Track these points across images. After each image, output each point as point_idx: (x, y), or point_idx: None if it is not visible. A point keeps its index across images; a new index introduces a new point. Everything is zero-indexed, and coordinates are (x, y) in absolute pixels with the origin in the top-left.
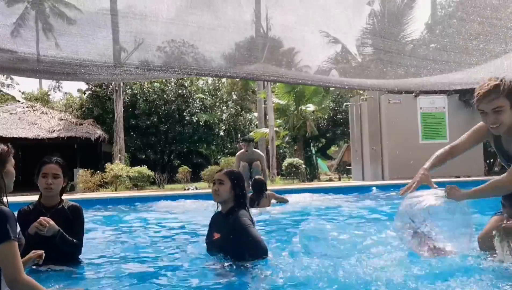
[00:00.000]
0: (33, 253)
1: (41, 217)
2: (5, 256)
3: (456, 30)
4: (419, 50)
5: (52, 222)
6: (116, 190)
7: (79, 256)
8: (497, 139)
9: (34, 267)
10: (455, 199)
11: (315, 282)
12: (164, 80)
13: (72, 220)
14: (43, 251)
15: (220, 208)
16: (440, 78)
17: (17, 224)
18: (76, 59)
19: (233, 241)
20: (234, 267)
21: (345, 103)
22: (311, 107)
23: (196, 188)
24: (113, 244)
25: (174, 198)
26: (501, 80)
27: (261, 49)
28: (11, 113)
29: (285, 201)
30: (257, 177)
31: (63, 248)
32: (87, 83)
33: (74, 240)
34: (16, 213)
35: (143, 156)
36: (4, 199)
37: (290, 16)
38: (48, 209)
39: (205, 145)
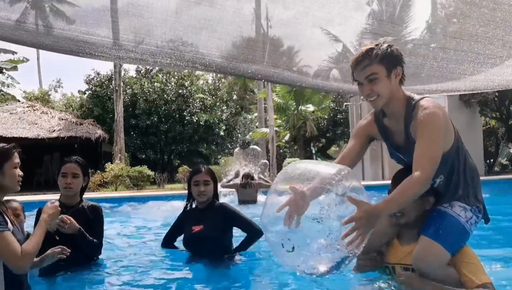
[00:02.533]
0: (54, 249)
1: (62, 215)
2: None
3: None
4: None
5: (73, 220)
6: (116, 190)
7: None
8: (382, 128)
9: (51, 268)
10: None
11: (310, 280)
12: (164, 80)
13: (92, 220)
14: (63, 247)
15: (194, 205)
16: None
17: (7, 223)
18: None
19: (220, 229)
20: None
21: (345, 103)
22: (311, 107)
23: None
24: (113, 244)
25: (174, 198)
26: (376, 44)
27: (262, 49)
28: (11, 113)
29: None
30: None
31: (83, 248)
32: (87, 83)
33: (95, 240)
34: (35, 212)
35: (143, 156)
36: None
37: (290, 12)
38: (68, 208)
39: (205, 145)
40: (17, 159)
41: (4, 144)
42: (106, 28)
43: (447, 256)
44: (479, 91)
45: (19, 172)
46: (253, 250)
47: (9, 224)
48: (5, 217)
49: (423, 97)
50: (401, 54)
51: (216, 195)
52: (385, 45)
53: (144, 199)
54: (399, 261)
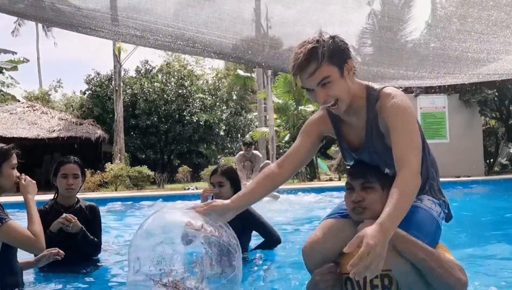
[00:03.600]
0: (50, 250)
1: (65, 214)
2: (8, 236)
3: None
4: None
5: (76, 219)
6: (116, 190)
7: (98, 256)
8: (338, 125)
9: (51, 267)
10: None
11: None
12: (164, 80)
13: (90, 220)
14: (59, 249)
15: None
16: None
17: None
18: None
19: (239, 231)
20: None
21: None
22: (311, 107)
23: (196, 188)
24: (113, 244)
25: (174, 198)
26: (317, 40)
27: (262, 50)
28: (11, 113)
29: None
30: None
31: (84, 247)
32: (87, 83)
33: (95, 239)
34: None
35: (143, 156)
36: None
37: (290, 12)
38: (66, 209)
39: (205, 145)
40: (15, 160)
41: (3, 145)
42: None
43: None
44: None
45: (16, 173)
46: (269, 251)
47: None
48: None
49: (384, 86)
50: (346, 43)
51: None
52: (327, 38)
53: (144, 199)
54: None
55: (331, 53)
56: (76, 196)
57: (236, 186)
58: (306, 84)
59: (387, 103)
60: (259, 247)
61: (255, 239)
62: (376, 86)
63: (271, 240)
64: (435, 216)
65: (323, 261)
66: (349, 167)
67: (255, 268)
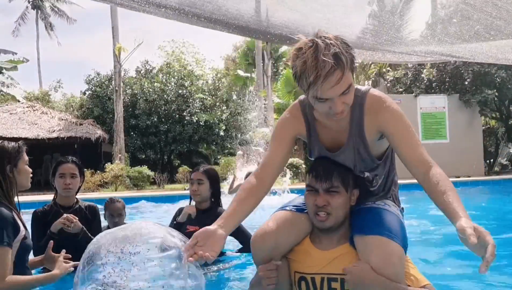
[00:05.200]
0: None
1: (66, 214)
2: None
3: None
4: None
5: (77, 219)
6: (116, 190)
7: None
8: (313, 126)
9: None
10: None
11: None
12: (164, 80)
13: (90, 220)
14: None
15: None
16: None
17: (21, 228)
18: None
19: None
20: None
21: None
22: None
23: None
24: None
25: (174, 198)
26: (330, 43)
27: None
28: (11, 113)
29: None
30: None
31: (85, 247)
32: (87, 83)
33: (91, 236)
34: (31, 215)
35: (143, 156)
36: (15, 198)
37: (291, 14)
38: (65, 209)
39: (205, 145)
40: (26, 156)
41: (13, 143)
42: None
43: (404, 255)
44: None
45: (29, 169)
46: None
47: (22, 229)
48: (19, 222)
49: (369, 88)
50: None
51: (216, 198)
52: (339, 43)
53: (144, 199)
54: (320, 271)
55: (351, 60)
56: (76, 197)
57: (214, 188)
58: (328, 93)
59: (383, 108)
60: (240, 251)
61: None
62: (361, 88)
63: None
64: (402, 221)
65: (272, 255)
66: (311, 164)
67: (233, 271)
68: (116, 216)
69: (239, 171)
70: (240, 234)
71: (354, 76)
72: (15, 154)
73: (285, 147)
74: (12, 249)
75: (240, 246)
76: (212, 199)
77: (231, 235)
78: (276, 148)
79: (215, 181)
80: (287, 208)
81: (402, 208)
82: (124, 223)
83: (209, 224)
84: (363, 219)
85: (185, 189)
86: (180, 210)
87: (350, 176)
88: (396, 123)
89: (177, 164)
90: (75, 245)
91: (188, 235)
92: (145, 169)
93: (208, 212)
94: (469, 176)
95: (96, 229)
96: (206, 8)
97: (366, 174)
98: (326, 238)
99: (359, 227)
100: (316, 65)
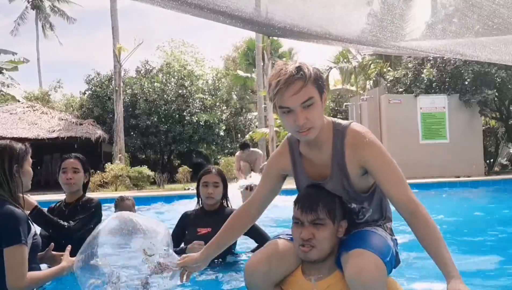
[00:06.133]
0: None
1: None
2: (13, 259)
3: None
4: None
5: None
6: (116, 190)
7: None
8: (297, 159)
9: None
10: None
11: None
12: (164, 80)
13: (82, 211)
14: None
15: (197, 206)
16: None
17: (31, 226)
18: None
19: None
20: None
21: (345, 103)
22: None
23: None
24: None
25: (174, 198)
26: (299, 64)
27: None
28: (11, 113)
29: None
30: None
31: (43, 227)
32: (87, 83)
33: (63, 223)
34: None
35: (143, 156)
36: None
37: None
38: (68, 206)
39: (205, 145)
40: (30, 158)
41: (20, 143)
42: None
43: (383, 267)
44: None
45: (31, 170)
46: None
47: (32, 227)
48: (29, 222)
49: (351, 122)
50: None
51: (226, 198)
52: (310, 65)
53: (144, 199)
54: None
55: (315, 76)
56: (85, 193)
57: (225, 188)
58: (288, 102)
59: (363, 143)
60: (253, 251)
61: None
62: (342, 121)
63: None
64: (390, 244)
65: (264, 283)
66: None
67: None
68: None
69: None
70: (254, 233)
71: (323, 98)
72: (23, 155)
73: (270, 183)
74: (27, 247)
75: (255, 244)
76: (222, 201)
77: (245, 234)
78: (263, 184)
79: (226, 182)
80: (281, 236)
81: (395, 239)
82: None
83: (220, 226)
84: (348, 240)
85: (185, 189)
86: (185, 215)
87: (338, 207)
88: (377, 159)
89: (177, 164)
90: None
91: (199, 237)
92: (145, 169)
93: (218, 213)
94: (469, 176)
95: (81, 216)
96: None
97: (353, 205)
98: (315, 269)
99: (344, 247)
100: (279, 73)
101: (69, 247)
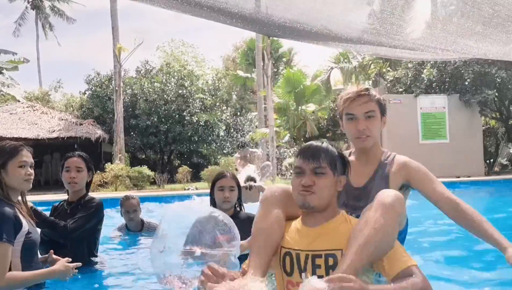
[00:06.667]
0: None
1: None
2: None
3: None
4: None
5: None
6: (116, 190)
7: (94, 257)
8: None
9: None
10: None
11: None
12: (164, 80)
13: (86, 211)
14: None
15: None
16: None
17: (23, 224)
18: None
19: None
20: None
21: None
22: (311, 107)
23: (196, 188)
24: (113, 244)
25: (174, 198)
26: (369, 86)
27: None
28: (11, 113)
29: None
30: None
31: (39, 226)
32: (87, 83)
33: (59, 222)
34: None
35: (143, 156)
36: (18, 198)
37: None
38: (70, 204)
39: (205, 145)
40: (23, 158)
41: (11, 143)
42: None
43: (404, 206)
44: None
45: (27, 170)
46: None
47: (25, 225)
48: (21, 218)
49: (395, 155)
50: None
51: (240, 202)
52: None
53: (144, 199)
54: (306, 248)
55: (378, 99)
56: (88, 192)
57: (240, 192)
58: (354, 110)
59: (409, 165)
60: None
61: None
62: (389, 152)
63: None
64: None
65: (277, 215)
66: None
67: None
68: (131, 212)
69: (238, 174)
70: None
71: (383, 120)
72: (5, 155)
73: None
74: (13, 245)
75: None
76: (236, 205)
77: None
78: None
79: (240, 186)
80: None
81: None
82: (140, 219)
83: (244, 227)
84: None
85: (185, 189)
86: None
87: (338, 160)
88: (425, 175)
89: (177, 164)
90: (66, 245)
91: None
92: (145, 169)
93: (233, 217)
94: (469, 176)
95: (80, 215)
96: None
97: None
98: (312, 217)
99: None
100: (351, 89)
101: (69, 260)
